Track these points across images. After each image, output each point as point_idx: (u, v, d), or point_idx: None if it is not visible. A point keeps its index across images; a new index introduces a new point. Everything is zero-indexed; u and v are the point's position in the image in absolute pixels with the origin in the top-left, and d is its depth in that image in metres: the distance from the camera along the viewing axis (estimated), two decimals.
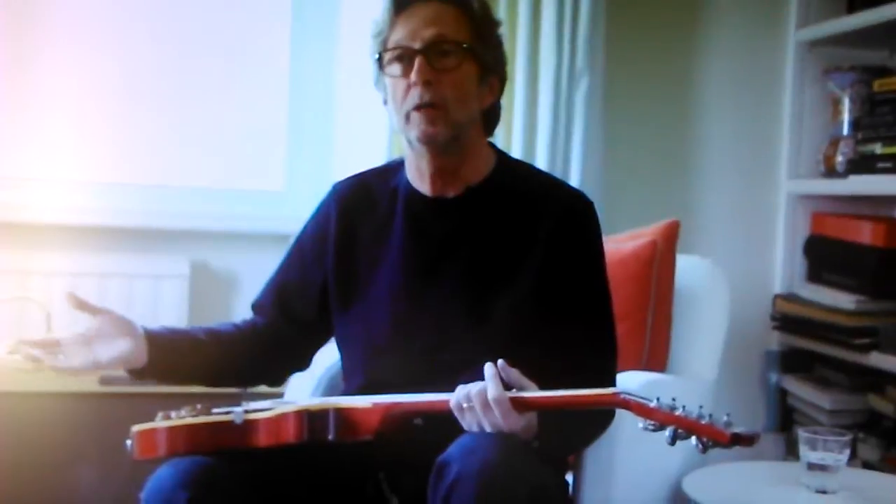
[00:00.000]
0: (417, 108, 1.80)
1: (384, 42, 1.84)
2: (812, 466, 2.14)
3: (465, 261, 1.87)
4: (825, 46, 3.19)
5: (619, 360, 1.92)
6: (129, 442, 1.81)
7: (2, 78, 2.84)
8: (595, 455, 2.01)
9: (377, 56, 1.86)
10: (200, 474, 1.71)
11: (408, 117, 1.82)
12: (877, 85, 2.97)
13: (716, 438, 1.53)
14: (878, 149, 2.90)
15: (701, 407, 1.56)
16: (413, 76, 1.79)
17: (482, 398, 1.65)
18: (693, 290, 2.46)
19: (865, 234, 3.00)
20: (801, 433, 2.17)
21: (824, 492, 2.12)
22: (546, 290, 1.85)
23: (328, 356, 2.18)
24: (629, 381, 2.07)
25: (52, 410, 2.41)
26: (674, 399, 1.57)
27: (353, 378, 1.94)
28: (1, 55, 2.84)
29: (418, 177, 1.92)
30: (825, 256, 3.17)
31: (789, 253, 3.27)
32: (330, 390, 2.17)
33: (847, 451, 2.14)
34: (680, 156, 3.22)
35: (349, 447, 1.78)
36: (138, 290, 2.78)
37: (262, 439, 1.76)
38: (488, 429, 1.65)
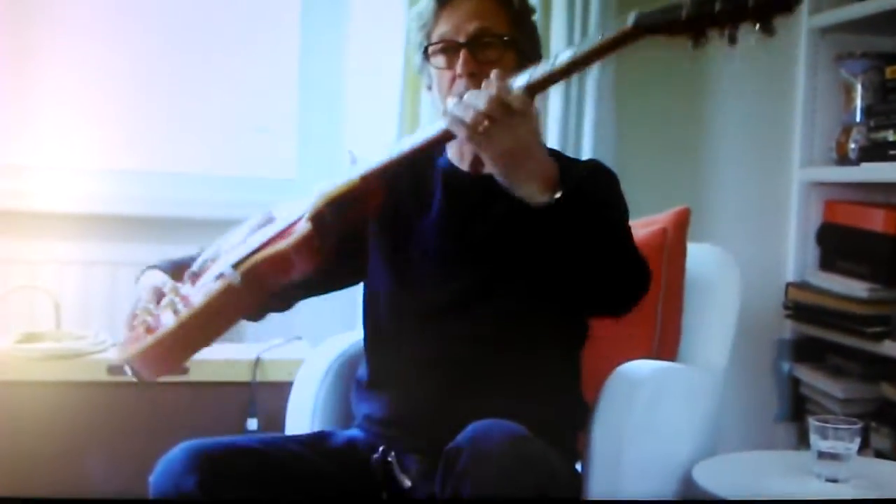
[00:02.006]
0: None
1: (429, 34, 1.92)
2: (822, 455, 2.12)
3: (499, 230, 1.90)
4: (838, 33, 3.16)
5: (628, 349, 1.95)
6: (128, 370, 1.81)
7: (11, 65, 2.84)
8: (603, 444, 2.00)
9: (423, 48, 1.93)
10: (210, 458, 1.75)
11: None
12: (889, 72, 2.94)
13: None
14: (890, 136, 2.87)
15: None
16: (458, 68, 1.87)
17: (499, 102, 1.61)
18: (704, 278, 2.44)
19: (878, 221, 2.98)
20: (812, 422, 2.15)
21: (835, 480, 2.10)
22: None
23: (339, 342, 2.26)
24: (639, 369, 2.08)
25: (60, 400, 2.41)
26: None
27: (375, 346, 2.01)
28: (10, 42, 2.83)
29: (459, 157, 2.00)
30: (838, 244, 3.15)
31: (802, 241, 3.24)
32: (340, 378, 2.20)
33: (858, 440, 2.12)
34: (691, 143, 3.20)
35: (359, 436, 1.84)
36: None
37: (274, 277, 1.74)
38: (515, 145, 1.62)
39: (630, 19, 1.53)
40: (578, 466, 2.02)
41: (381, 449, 1.89)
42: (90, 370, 2.45)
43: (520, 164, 1.63)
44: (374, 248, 2.02)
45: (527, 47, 1.94)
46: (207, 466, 1.74)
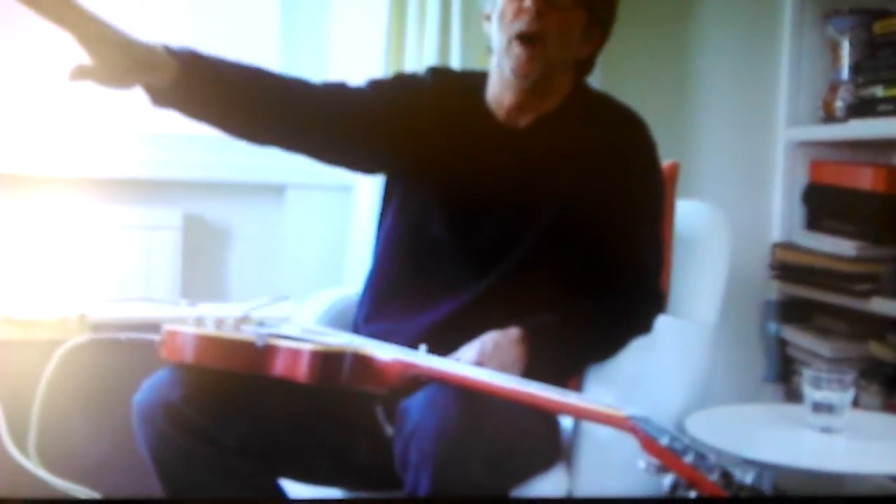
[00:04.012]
0: (520, 37, 1.87)
1: None
2: (817, 407, 2.10)
3: (516, 189, 1.94)
4: None
5: None
6: (156, 338, 1.82)
7: None
8: (594, 395, 1.94)
9: None
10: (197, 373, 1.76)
11: (509, 43, 1.89)
12: (878, 27, 2.91)
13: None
14: (879, 92, 2.85)
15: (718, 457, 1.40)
16: (528, 1, 1.86)
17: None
18: (693, 234, 2.40)
19: (866, 179, 2.96)
20: (806, 372, 2.13)
21: (829, 431, 2.09)
22: (585, 211, 1.92)
23: (326, 297, 2.24)
24: None
25: (41, 361, 2.37)
26: (688, 437, 1.45)
27: (374, 281, 2.02)
28: None
29: (497, 100, 1.99)
30: (824, 204, 3.13)
31: (787, 201, 3.22)
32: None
33: (852, 390, 2.10)
34: (677, 101, 3.17)
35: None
36: (130, 242, 2.74)
37: (278, 368, 1.72)
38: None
39: None
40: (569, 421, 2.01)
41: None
42: (70, 331, 2.40)
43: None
44: (410, 175, 2.01)
45: (601, 10, 1.95)
46: (193, 380, 1.75)
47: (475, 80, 2.06)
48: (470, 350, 1.78)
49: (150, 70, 1.74)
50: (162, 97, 1.80)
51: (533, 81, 1.92)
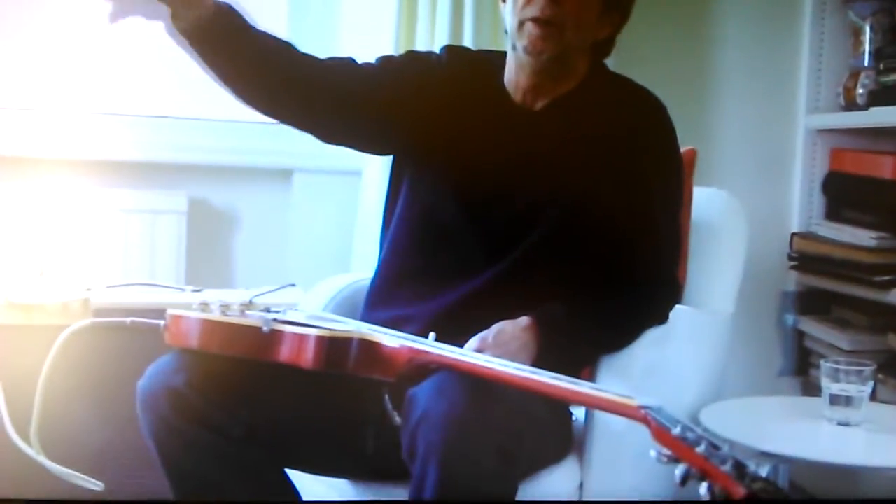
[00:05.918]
0: (535, 19, 1.85)
1: None
2: (835, 399, 2.08)
3: (531, 172, 1.92)
4: None
5: None
6: (161, 323, 1.81)
7: None
8: (608, 386, 1.90)
9: None
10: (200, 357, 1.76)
11: (521, 25, 1.87)
12: None
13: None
14: None
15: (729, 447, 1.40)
16: None
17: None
18: (710, 223, 2.39)
19: (887, 168, 2.91)
20: (823, 364, 2.11)
21: (847, 425, 2.06)
22: (601, 195, 1.90)
23: (333, 283, 2.21)
24: None
25: (44, 346, 2.35)
26: (701, 428, 1.42)
27: (384, 267, 2.01)
28: None
29: (512, 81, 1.97)
30: (844, 193, 3.09)
31: (807, 190, 3.19)
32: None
33: (870, 383, 2.08)
34: (695, 86, 3.14)
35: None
36: (134, 225, 2.73)
37: (283, 354, 1.71)
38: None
39: None
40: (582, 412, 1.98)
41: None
42: (74, 315, 2.39)
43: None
44: (421, 155, 1.99)
45: None
46: (198, 366, 1.74)
47: (492, 60, 2.04)
48: (474, 338, 1.76)
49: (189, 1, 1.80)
50: (186, 32, 1.84)
51: (547, 61, 1.89)
